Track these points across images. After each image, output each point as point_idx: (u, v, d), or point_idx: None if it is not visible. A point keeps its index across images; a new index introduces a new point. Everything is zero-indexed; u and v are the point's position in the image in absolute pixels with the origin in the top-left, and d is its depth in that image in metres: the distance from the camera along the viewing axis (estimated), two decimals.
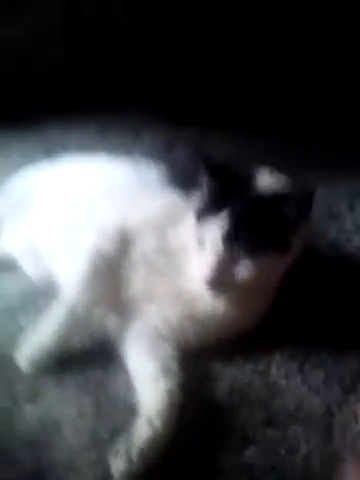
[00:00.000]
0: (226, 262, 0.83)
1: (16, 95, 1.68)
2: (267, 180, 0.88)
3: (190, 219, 0.89)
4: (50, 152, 1.39)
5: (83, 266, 0.91)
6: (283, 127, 1.64)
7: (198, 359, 0.89)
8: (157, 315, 0.90)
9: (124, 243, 0.91)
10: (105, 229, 0.93)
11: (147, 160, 1.11)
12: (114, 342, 0.91)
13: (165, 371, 0.84)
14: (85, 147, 1.39)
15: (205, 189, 0.88)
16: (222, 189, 0.86)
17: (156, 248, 0.90)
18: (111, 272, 0.91)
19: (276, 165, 0.91)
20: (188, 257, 0.89)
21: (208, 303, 0.88)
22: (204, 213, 0.86)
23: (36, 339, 0.87)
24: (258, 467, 0.75)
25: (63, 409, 0.83)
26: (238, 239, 0.82)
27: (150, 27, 1.86)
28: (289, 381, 0.87)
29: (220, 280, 0.83)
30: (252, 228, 0.82)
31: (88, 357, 0.90)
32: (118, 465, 0.74)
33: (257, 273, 0.83)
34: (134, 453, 0.74)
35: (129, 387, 0.85)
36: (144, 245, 0.91)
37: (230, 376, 0.88)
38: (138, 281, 0.90)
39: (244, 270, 0.83)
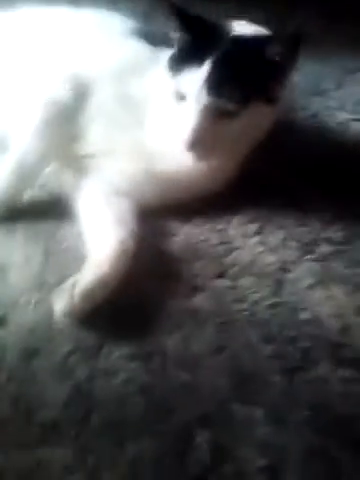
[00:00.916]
0: (209, 118, 0.79)
1: None
2: (245, 29, 0.84)
3: (158, 71, 0.84)
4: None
5: (35, 114, 0.87)
6: None
7: (156, 216, 0.89)
8: (114, 170, 0.88)
9: (81, 91, 0.87)
10: (59, 75, 0.88)
11: (114, 13, 1.06)
12: (69, 197, 0.90)
13: (119, 222, 0.84)
14: None
15: (179, 40, 0.83)
16: (197, 40, 0.81)
17: (116, 98, 0.87)
18: (66, 123, 0.87)
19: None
20: (152, 110, 0.86)
21: (172, 160, 0.86)
22: (179, 65, 0.81)
23: None
24: (203, 311, 0.77)
25: (10, 256, 0.84)
26: (222, 88, 0.78)
27: None
28: (246, 240, 0.89)
29: (203, 140, 0.79)
30: (236, 75, 0.79)
31: (41, 210, 0.91)
32: (60, 303, 0.73)
33: (241, 128, 0.81)
34: (76, 292, 0.73)
35: (81, 239, 0.85)
36: (103, 95, 0.87)
37: (187, 233, 0.90)
38: (95, 134, 0.87)
39: (229, 127, 0.80)
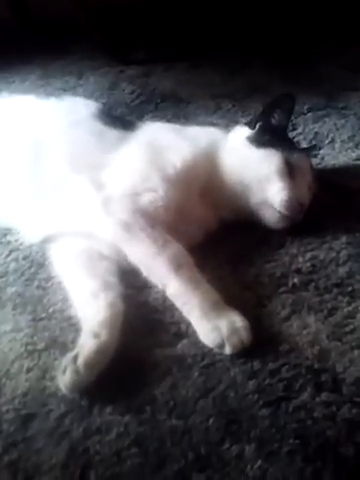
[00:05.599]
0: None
1: None
2: None
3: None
4: None
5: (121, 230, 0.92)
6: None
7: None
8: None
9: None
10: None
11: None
12: (53, 265, 0.96)
13: (105, 285, 0.88)
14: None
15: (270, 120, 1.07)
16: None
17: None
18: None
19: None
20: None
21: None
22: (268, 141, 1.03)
23: None
24: (187, 356, 0.81)
25: (0, 326, 0.87)
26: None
27: None
28: (222, 281, 0.92)
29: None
30: None
31: (27, 279, 0.95)
32: (66, 379, 0.75)
33: None
34: (81, 365, 0.76)
35: (66, 303, 0.89)
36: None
37: None
38: None
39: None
